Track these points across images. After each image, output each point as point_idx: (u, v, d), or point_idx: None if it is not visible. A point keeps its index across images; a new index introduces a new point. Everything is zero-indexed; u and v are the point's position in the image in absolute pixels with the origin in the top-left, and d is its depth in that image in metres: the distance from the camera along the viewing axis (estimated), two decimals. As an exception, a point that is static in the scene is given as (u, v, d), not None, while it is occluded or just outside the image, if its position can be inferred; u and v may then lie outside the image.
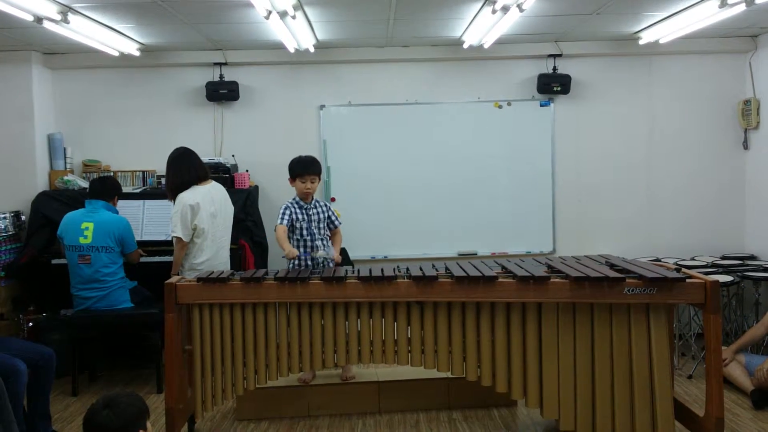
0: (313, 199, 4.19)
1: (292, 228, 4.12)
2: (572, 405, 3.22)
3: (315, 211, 4.16)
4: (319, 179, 4.19)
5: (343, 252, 5.44)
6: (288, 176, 4.18)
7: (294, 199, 4.17)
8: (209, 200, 4.23)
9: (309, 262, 4.10)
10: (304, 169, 4.10)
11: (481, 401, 4.05)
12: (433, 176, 5.66)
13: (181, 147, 4.38)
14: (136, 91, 5.64)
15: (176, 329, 3.32)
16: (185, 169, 4.25)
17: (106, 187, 4.58)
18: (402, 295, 3.27)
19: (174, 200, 4.20)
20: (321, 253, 4.07)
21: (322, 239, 4.15)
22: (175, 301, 3.31)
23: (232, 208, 4.51)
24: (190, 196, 4.16)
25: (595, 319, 3.20)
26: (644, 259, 4.82)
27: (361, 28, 4.94)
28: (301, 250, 4.10)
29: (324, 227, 4.19)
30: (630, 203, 5.75)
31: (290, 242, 4.09)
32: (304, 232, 4.12)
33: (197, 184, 4.24)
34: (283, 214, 4.10)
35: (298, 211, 4.12)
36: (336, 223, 4.26)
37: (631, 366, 3.18)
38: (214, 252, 4.25)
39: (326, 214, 4.21)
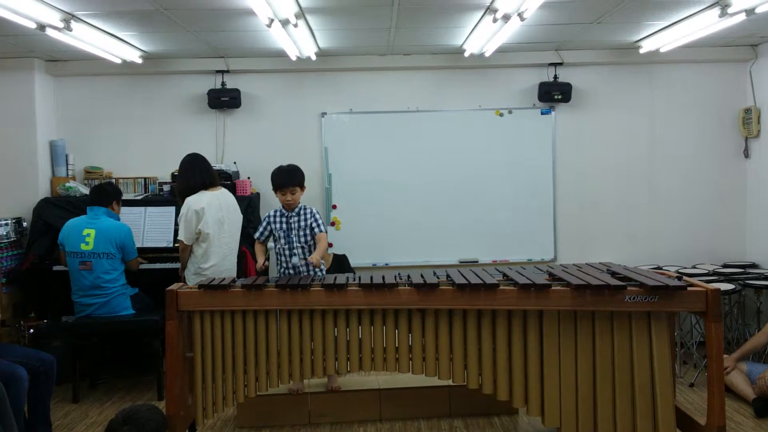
0: (299, 206, 4.09)
1: (274, 237, 4.13)
2: (574, 413, 3.21)
3: (296, 219, 4.07)
4: (303, 189, 4.08)
5: (344, 259, 5.45)
6: None
7: (279, 207, 4.14)
8: (216, 206, 4.29)
9: (291, 271, 4.08)
10: (284, 181, 4.01)
11: (483, 409, 4.05)
12: (434, 184, 5.67)
13: (191, 153, 4.47)
14: (138, 99, 5.66)
15: (177, 336, 3.32)
16: (193, 175, 4.33)
17: (105, 193, 4.60)
18: (403, 303, 3.27)
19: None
20: (294, 260, 4.03)
21: (302, 247, 4.05)
22: (176, 308, 3.30)
23: (241, 216, 4.57)
24: (196, 200, 4.23)
25: (596, 326, 3.19)
26: (645, 266, 4.81)
27: (363, 37, 4.96)
28: (282, 259, 4.09)
29: (306, 234, 4.06)
30: (631, 211, 5.75)
31: (274, 251, 4.15)
32: (282, 241, 4.08)
33: (205, 190, 4.29)
34: (259, 226, 4.16)
35: (278, 220, 4.10)
36: (317, 230, 4.05)
37: (632, 374, 3.17)
38: (220, 258, 4.30)
39: (309, 222, 4.06)
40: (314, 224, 4.06)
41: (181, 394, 3.38)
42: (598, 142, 5.73)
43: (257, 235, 4.15)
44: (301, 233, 4.07)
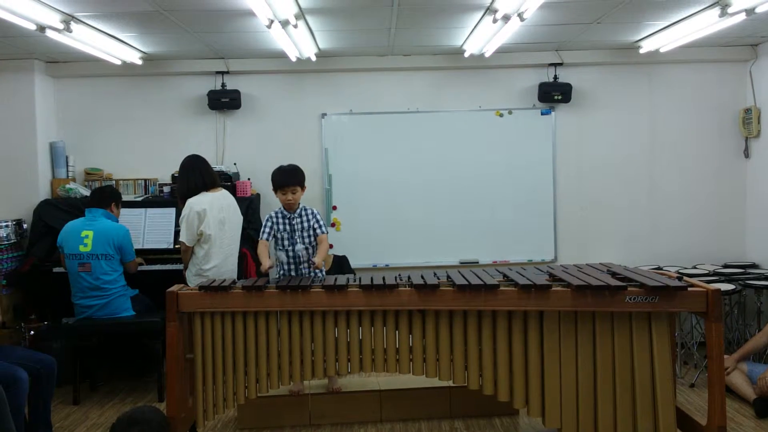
0: (299, 207, 4.07)
1: (275, 239, 4.09)
2: (574, 414, 3.21)
3: (299, 220, 4.04)
4: (303, 188, 4.06)
5: (344, 260, 5.45)
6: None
7: (280, 208, 4.10)
8: (218, 207, 4.30)
9: (292, 273, 4.06)
10: (285, 180, 3.98)
11: (483, 410, 4.04)
12: (434, 184, 5.67)
13: (191, 154, 4.47)
14: (138, 100, 5.66)
15: (178, 338, 3.32)
16: (193, 176, 4.34)
17: (104, 196, 4.61)
18: (403, 304, 3.27)
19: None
20: (298, 247, 4.01)
21: (305, 248, 4.04)
22: (176, 310, 3.30)
23: (241, 217, 4.58)
24: (197, 202, 4.24)
25: (596, 327, 3.19)
26: (646, 267, 4.81)
27: (363, 37, 4.96)
28: (285, 260, 4.07)
29: (310, 236, 4.04)
30: (631, 211, 5.75)
31: (275, 253, 4.10)
32: (286, 242, 4.05)
33: (206, 191, 4.30)
34: (265, 226, 4.07)
35: (280, 221, 4.06)
36: (318, 231, 4.04)
37: (633, 374, 3.17)
38: (222, 259, 4.31)
39: (310, 223, 4.04)
40: (315, 225, 4.05)
41: (182, 396, 3.38)
42: (599, 142, 5.73)
43: (264, 236, 4.04)
44: (305, 234, 4.05)
